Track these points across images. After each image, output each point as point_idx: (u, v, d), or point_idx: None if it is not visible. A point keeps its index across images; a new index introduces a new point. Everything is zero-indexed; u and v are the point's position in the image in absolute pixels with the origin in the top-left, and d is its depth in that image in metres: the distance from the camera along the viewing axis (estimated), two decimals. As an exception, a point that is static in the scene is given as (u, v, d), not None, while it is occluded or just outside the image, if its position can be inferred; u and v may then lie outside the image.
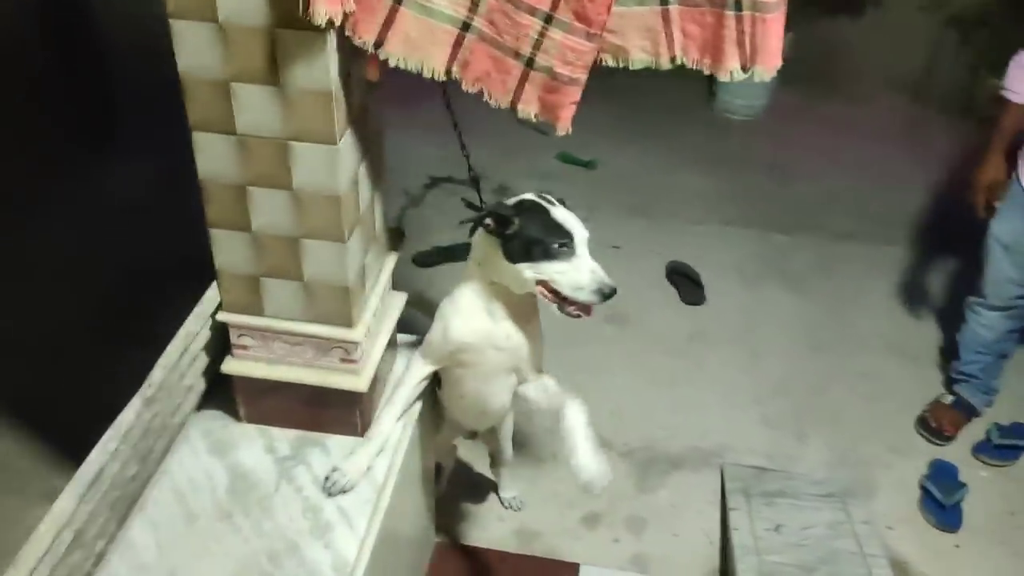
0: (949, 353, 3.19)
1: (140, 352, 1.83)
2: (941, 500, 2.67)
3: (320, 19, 1.36)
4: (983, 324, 2.83)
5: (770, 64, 1.37)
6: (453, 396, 2.03)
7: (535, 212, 1.71)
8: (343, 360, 1.81)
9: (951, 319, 3.37)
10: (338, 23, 1.40)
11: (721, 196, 4.14)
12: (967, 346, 2.91)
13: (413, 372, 1.93)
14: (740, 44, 1.37)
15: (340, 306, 1.74)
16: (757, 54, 1.37)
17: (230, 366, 1.85)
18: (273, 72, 1.49)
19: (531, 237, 1.68)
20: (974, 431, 2.95)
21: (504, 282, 1.76)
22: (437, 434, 2.28)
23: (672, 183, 4.24)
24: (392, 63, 1.47)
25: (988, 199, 2.62)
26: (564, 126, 1.49)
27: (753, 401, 3.06)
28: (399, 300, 2.04)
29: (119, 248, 3.47)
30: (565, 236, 1.68)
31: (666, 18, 1.41)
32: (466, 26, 1.45)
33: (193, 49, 1.48)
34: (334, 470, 1.81)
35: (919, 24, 4.81)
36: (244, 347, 1.83)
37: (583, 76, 1.46)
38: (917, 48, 4.90)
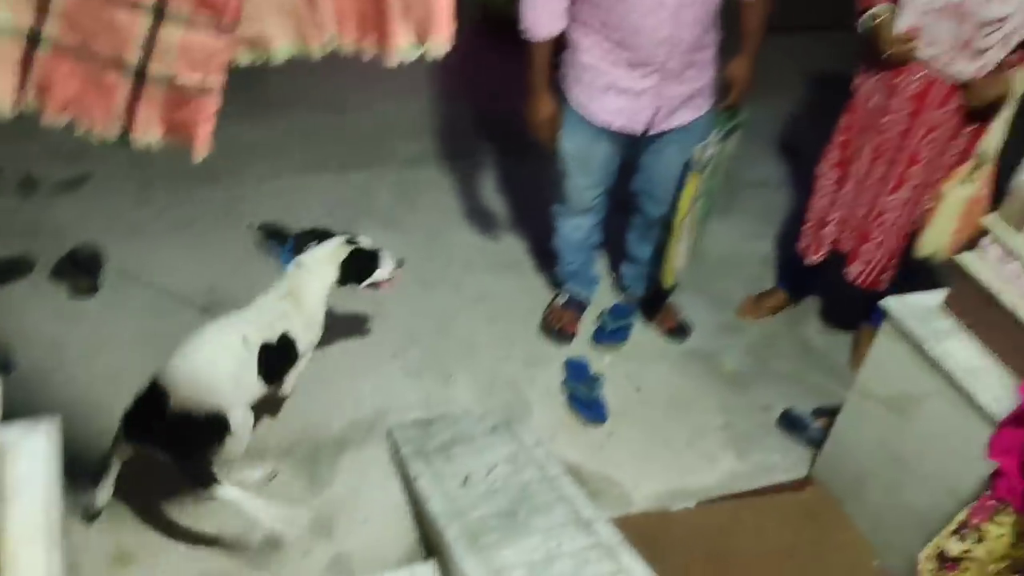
0: (541, 253, 3.38)
1: None
2: (584, 398, 2.86)
3: None
4: (572, 226, 3.01)
5: (444, 34, 1.18)
6: None
7: None
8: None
9: (532, 219, 3.58)
10: None
11: (284, 143, 3.86)
12: (563, 248, 3.09)
13: None
14: (409, 16, 1.15)
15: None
16: (430, 24, 1.16)
17: None
18: None
19: None
20: (588, 322, 3.18)
21: None
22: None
23: (227, 137, 3.82)
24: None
25: (551, 132, 2.71)
26: (203, 148, 1.16)
27: (391, 355, 2.97)
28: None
29: None
30: None
31: (311, -7, 1.14)
32: (35, 36, 1.03)
33: None
34: None
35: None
36: None
37: (219, 80, 1.13)
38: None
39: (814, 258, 2.94)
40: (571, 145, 2.75)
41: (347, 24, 1.17)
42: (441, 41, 1.18)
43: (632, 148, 2.80)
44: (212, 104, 1.14)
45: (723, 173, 2.87)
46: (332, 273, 2.49)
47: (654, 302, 3.19)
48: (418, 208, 3.63)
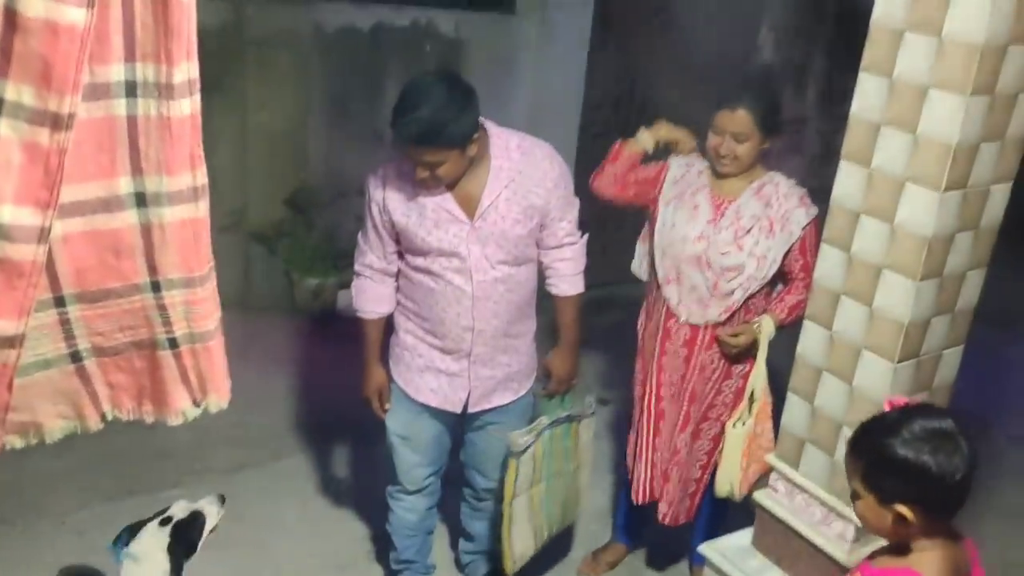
0: (375, 548, 3.32)
1: None
2: None
3: None
4: (406, 508, 2.99)
5: (223, 392, 1.24)
6: None
7: None
8: None
9: (363, 511, 3.54)
10: None
11: (90, 470, 3.68)
12: (397, 533, 3.04)
13: None
14: (186, 381, 1.21)
15: None
16: (207, 384, 1.23)
17: None
18: None
19: None
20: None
21: None
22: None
23: (24, 470, 3.62)
24: None
25: (381, 403, 2.82)
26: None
27: None
28: None
29: None
30: None
31: (84, 376, 1.18)
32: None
33: None
34: None
35: (226, 243, 5.03)
36: None
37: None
38: (230, 264, 5.10)
39: (636, 499, 3.04)
40: (395, 421, 2.82)
41: (122, 397, 1.21)
42: (218, 399, 1.24)
43: (458, 425, 2.88)
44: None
45: (576, 459, 2.94)
46: (164, 562, 2.34)
47: (495, 579, 3.16)
48: (241, 520, 3.49)
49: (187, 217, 1.16)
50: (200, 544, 2.45)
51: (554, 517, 2.97)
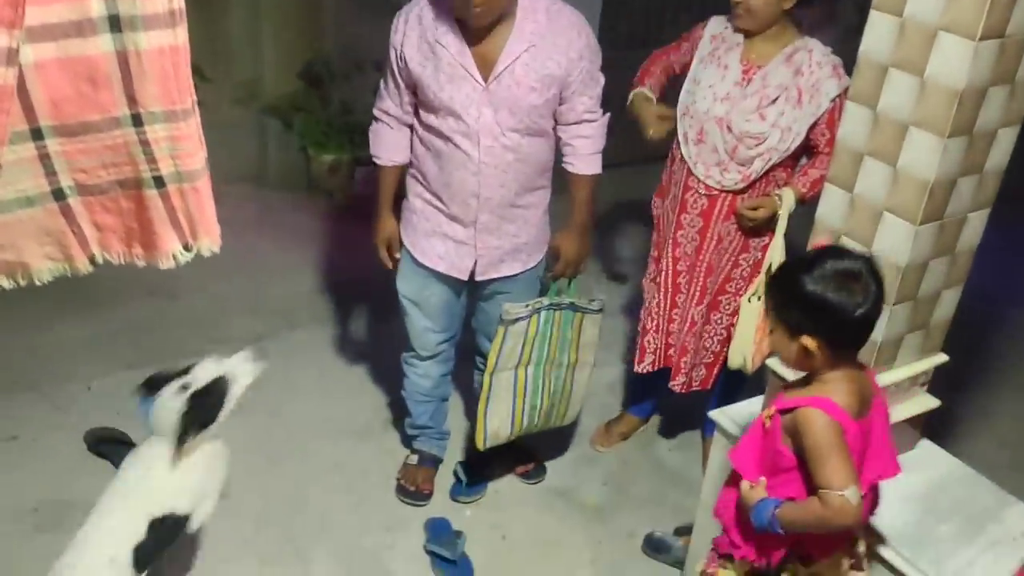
0: (390, 415, 3.38)
1: None
2: (448, 556, 2.79)
3: None
4: (419, 374, 3.02)
5: (213, 234, 1.21)
6: None
7: None
8: None
9: (378, 382, 3.58)
10: None
11: (113, 338, 3.74)
12: (412, 398, 3.08)
13: None
14: (175, 223, 1.18)
15: None
16: (197, 227, 1.19)
17: None
18: None
19: None
20: (446, 477, 3.15)
21: None
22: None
23: (47, 339, 3.68)
24: None
25: (391, 253, 2.81)
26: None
27: (243, 542, 2.84)
28: None
29: None
30: None
31: (69, 215, 1.14)
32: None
33: None
34: None
35: (240, 117, 4.95)
36: None
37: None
38: (245, 139, 5.03)
39: (637, 367, 3.04)
40: (405, 285, 2.83)
41: (111, 239, 1.18)
42: (210, 242, 1.21)
43: (469, 292, 2.88)
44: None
45: (575, 353, 2.87)
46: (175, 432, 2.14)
47: (506, 446, 3.20)
48: (258, 387, 3.53)
49: (165, 44, 1.10)
50: (224, 411, 2.24)
51: (540, 408, 2.89)
